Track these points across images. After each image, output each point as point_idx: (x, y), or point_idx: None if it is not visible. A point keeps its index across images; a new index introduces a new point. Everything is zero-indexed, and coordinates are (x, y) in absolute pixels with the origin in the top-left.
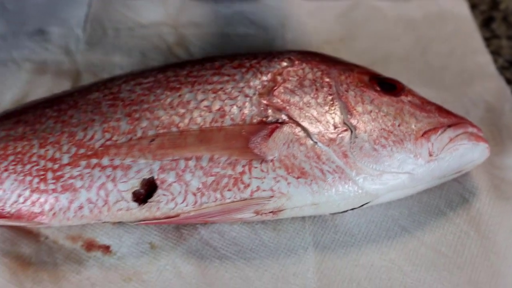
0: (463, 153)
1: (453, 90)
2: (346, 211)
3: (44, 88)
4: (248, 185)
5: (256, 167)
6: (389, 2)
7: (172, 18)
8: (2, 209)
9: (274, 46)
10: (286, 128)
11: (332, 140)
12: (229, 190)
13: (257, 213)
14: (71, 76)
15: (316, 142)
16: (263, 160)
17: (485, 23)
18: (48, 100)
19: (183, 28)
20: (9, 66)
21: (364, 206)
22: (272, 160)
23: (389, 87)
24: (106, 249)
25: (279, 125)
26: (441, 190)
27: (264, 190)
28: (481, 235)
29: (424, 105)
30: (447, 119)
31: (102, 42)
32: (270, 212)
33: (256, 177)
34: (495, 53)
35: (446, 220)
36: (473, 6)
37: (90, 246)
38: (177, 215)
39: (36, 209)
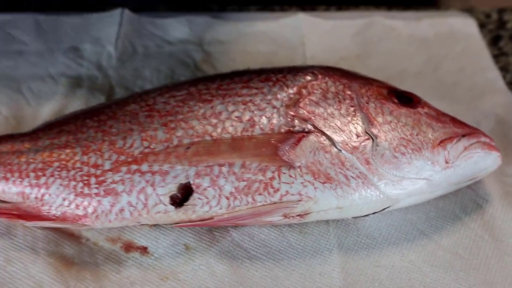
0: (477, 160)
1: (464, 104)
2: (368, 215)
3: (80, 101)
4: (278, 190)
5: (284, 173)
6: (402, 21)
7: (197, 37)
8: (48, 212)
9: (295, 63)
10: (312, 137)
11: (355, 148)
12: (260, 194)
13: (285, 216)
14: (104, 90)
15: (340, 150)
16: (291, 166)
17: (493, 41)
18: (87, 112)
19: (208, 46)
20: (46, 81)
21: (385, 210)
22: (299, 167)
23: (406, 99)
24: (144, 250)
25: (305, 134)
26: (456, 197)
27: (292, 194)
28: (495, 238)
29: (440, 116)
30: (461, 129)
31: (132, 59)
32: (298, 215)
33: (285, 182)
34: (503, 69)
35: (461, 224)
36: (482, 26)
37: (128, 247)
38: (211, 218)
39: (80, 212)
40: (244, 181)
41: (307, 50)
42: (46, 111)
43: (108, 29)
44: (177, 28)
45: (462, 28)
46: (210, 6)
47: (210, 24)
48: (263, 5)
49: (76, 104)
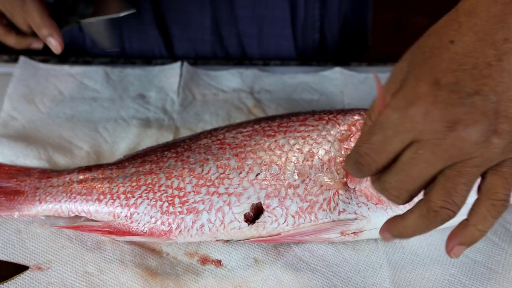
0: None
1: None
2: None
3: (151, 139)
4: (336, 208)
5: (342, 195)
6: None
7: (248, 86)
8: (137, 228)
9: (336, 108)
10: None
11: None
12: (323, 210)
13: (342, 233)
14: (171, 130)
15: None
16: (347, 189)
17: None
18: (164, 145)
19: (258, 94)
20: (119, 123)
21: None
22: (354, 190)
23: None
24: (218, 263)
25: None
26: None
27: (349, 213)
28: None
29: None
30: None
31: (192, 104)
32: (352, 233)
33: (342, 202)
34: None
35: (493, 245)
36: None
37: (204, 260)
38: (278, 234)
39: (165, 227)
40: (307, 202)
41: (345, 97)
42: (122, 147)
43: (170, 79)
44: (230, 79)
45: None
46: (255, 62)
47: (259, 76)
48: (302, 60)
49: (148, 141)
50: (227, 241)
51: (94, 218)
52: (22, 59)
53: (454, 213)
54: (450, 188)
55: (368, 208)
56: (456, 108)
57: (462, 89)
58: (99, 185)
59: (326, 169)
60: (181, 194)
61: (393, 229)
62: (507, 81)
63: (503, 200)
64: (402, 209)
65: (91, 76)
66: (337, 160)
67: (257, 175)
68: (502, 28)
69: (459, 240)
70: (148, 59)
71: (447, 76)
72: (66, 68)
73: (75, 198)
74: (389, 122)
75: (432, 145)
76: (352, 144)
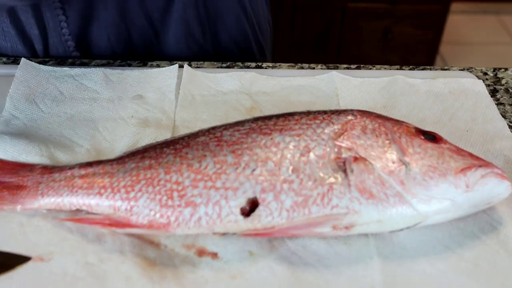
0: (492, 187)
1: (477, 147)
2: (402, 229)
3: (149, 137)
4: (329, 203)
5: (335, 190)
6: (420, 80)
7: (246, 88)
8: (137, 221)
9: None
10: (357, 162)
11: (391, 171)
12: (316, 205)
13: (334, 227)
14: (169, 129)
15: (380, 173)
16: (341, 184)
17: (492, 94)
18: (163, 143)
19: (256, 95)
20: (118, 122)
21: (416, 226)
22: (349, 184)
23: (431, 137)
24: (214, 255)
25: (351, 160)
26: (474, 220)
27: (341, 208)
28: (509, 253)
29: (459, 151)
30: (478, 161)
31: (192, 104)
32: (344, 227)
33: (336, 197)
34: (502, 116)
35: (480, 241)
36: None
37: (201, 252)
38: (272, 227)
39: (164, 220)
40: (302, 196)
41: (340, 100)
42: (121, 145)
43: (168, 80)
44: (229, 81)
45: (472, 87)
46: (248, 64)
47: (257, 79)
48: (294, 62)
49: (146, 139)
50: (224, 234)
51: (95, 212)
52: (23, 60)
53: None
54: None
55: (360, 203)
56: None
57: None
58: (100, 180)
59: (322, 164)
60: (180, 188)
61: None
62: None
63: None
64: (392, 204)
65: (91, 77)
66: (331, 157)
67: (253, 170)
68: None
69: None
70: (144, 60)
71: None
72: (66, 70)
73: (76, 192)
74: None
75: None
76: (346, 142)
